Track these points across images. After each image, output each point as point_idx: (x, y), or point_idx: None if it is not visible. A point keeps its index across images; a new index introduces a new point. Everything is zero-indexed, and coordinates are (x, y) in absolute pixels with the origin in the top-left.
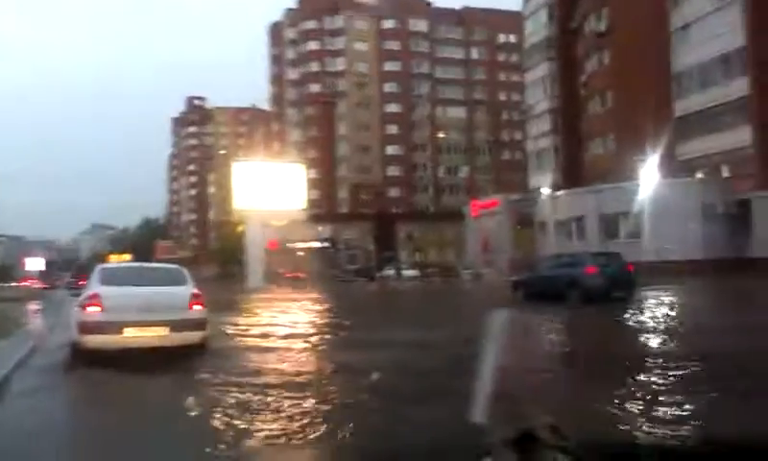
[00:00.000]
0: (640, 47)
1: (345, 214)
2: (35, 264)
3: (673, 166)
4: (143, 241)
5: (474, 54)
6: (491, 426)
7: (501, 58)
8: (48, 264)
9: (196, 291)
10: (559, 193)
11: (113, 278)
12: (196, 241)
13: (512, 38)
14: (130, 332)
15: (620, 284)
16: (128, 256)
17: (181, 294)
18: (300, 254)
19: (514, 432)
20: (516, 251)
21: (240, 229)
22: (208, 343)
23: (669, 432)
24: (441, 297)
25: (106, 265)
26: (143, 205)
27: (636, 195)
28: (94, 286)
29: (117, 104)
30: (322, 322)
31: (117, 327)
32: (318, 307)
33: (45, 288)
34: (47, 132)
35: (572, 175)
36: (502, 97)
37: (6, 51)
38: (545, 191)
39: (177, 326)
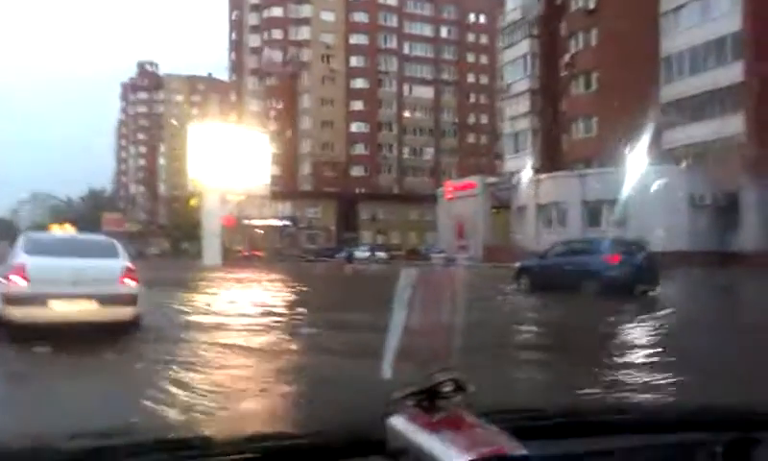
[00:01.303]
0: (629, 27)
1: (306, 192)
2: None
3: (659, 153)
4: (88, 212)
5: (444, 33)
6: (396, 383)
7: (471, 38)
8: None
9: (128, 265)
10: (541, 176)
11: (40, 247)
12: (144, 215)
13: (482, 19)
14: (56, 305)
15: (645, 277)
16: (71, 227)
17: (112, 267)
18: (259, 231)
19: (417, 387)
20: (491, 236)
21: (193, 202)
22: (141, 319)
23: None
24: None
25: (32, 234)
26: (88, 175)
27: (621, 182)
28: (19, 256)
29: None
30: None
31: (43, 300)
32: (286, 290)
33: None
34: None
35: (551, 158)
36: (470, 79)
37: None
38: (526, 174)
39: (106, 300)
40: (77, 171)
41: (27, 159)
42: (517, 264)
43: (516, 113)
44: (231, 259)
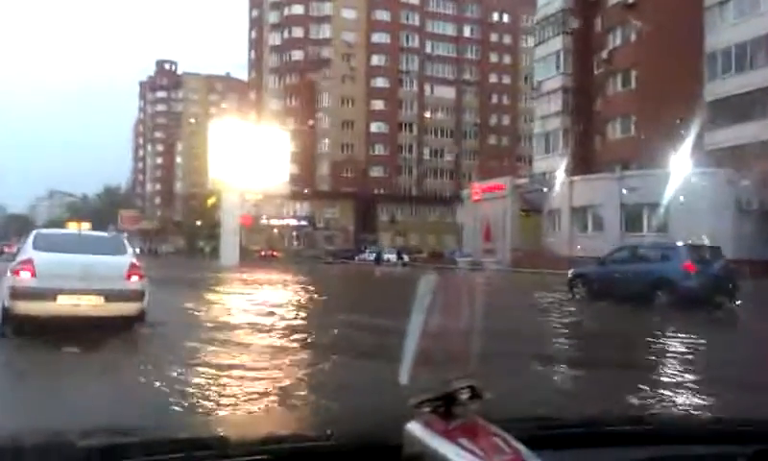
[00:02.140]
0: (671, 22)
1: (324, 192)
2: None
3: (702, 155)
4: (104, 210)
5: (467, 32)
6: (414, 389)
7: (494, 38)
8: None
9: (134, 261)
10: (576, 178)
11: (49, 244)
12: (161, 212)
13: (505, 18)
14: (63, 300)
15: (723, 287)
16: (87, 224)
17: (119, 264)
18: (275, 231)
19: (434, 394)
20: (520, 240)
21: (211, 201)
22: (146, 315)
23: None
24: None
25: (42, 230)
26: (106, 172)
27: (662, 184)
28: (28, 251)
29: (82, 64)
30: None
31: (50, 294)
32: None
33: None
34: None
35: (584, 159)
36: (493, 79)
37: None
38: (560, 175)
39: (112, 296)
40: (94, 169)
41: (45, 157)
42: (572, 271)
43: (548, 112)
44: (249, 259)
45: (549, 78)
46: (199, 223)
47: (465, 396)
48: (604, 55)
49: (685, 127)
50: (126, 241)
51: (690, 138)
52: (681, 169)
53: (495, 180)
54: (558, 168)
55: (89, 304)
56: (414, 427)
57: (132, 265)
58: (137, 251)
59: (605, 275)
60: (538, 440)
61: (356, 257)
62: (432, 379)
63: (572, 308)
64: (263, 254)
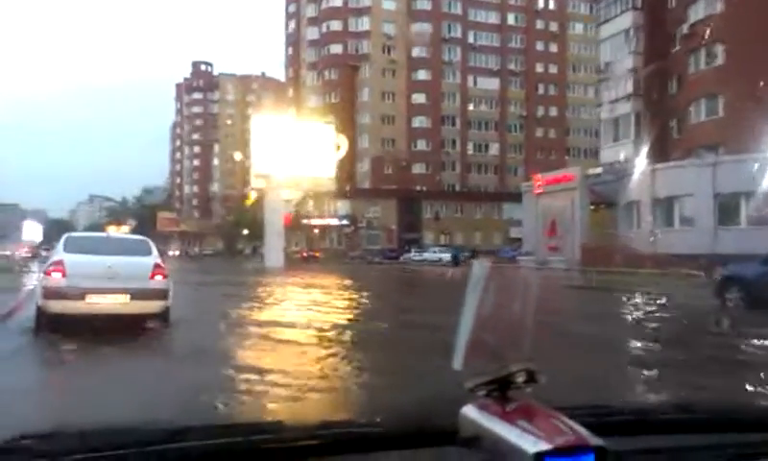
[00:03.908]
0: None
1: (366, 190)
2: (32, 232)
3: None
4: (143, 213)
5: (510, 20)
6: (468, 373)
7: (539, 26)
8: (45, 233)
9: (158, 262)
10: (659, 166)
11: (78, 246)
12: (198, 214)
13: (551, 5)
14: (91, 299)
15: None
16: (126, 228)
17: (143, 264)
18: (316, 231)
19: (489, 377)
20: (590, 236)
21: (249, 202)
22: (169, 312)
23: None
24: (566, 300)
25: (72, 234)
26: (145, 175)
27: (763, 170)
28: (59, 253)
29: (119, 69)
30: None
31: (79, 293)
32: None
33: (31, 257)
34: (45, 99)
35: (660, 146)
36: (539, 69)
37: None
38: (639, 163)
39: (137, 294)
40: (133, 172)
41: (85, 162)
42: (722, 272)
43: (617, 96)
44: (290, 261)
45: (618, 59)
46: (241, 222)
47: (520, 379)
48: (684, 29)
49: None
50: (151, 243)
51: None
52: None
53: (562, 170)
54: (628, 156)
55: (116, 303)
56: (469, 410)
57: (156, 265)
58: (176, 253)
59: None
60: (589, 427)
61: (401, 257)
62: (484, 365)
63: (743, 322)
64: (304, 254)
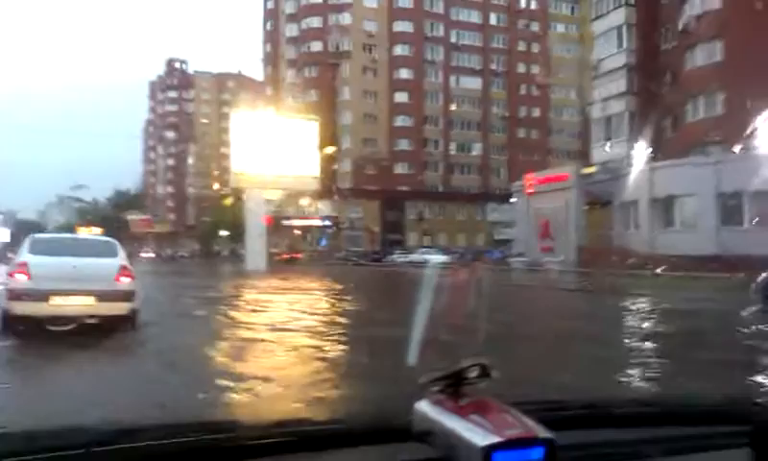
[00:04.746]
0: None
1: (348, 190)
2: None
3: None
4: (114, 214)
5: (493, 19)
6: (421, 369)
7: (521, 25)
8: (14, 235)
9: (124, 263)
10: (658, 165)
11: (43, 247)
12: (173, 216)
13: (533, 5)
14: (56, 301)
15: None
16: (97, 230)
17: (109, 266)
18: (297, 232)
19: (443, 372)
20: (586, 236)
21: (227, 202)
22: (137, 315)
23: None
24: (578, 305)
25: (37, 235)
26: (116, 176)
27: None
28: (23, 255)
29: (90, 66)
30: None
31: (43, 295)
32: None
33: None
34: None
35: (654, 144)
36: (521, 69)
37: None
38: (637, 162)
39: (103, 296)
40: (104, 173)
41: (54, 161)
42: (764, 275)
43: (609, 94)
44: (271, 263)
45: (610, 55)
46: (215, 225)
47: (474, 374)
48: (680, 25)
49: None
50: (117, 244)
51: None
52: None
53: (555, 169)
54: (622, 155)
55: (81, 304)
56: (423, 406)
57: (122, 267)
58: (151, 255)
59: None
60: (542, 421)
61: (383, 259)
62: (442, 361)
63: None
64: (285, 256)
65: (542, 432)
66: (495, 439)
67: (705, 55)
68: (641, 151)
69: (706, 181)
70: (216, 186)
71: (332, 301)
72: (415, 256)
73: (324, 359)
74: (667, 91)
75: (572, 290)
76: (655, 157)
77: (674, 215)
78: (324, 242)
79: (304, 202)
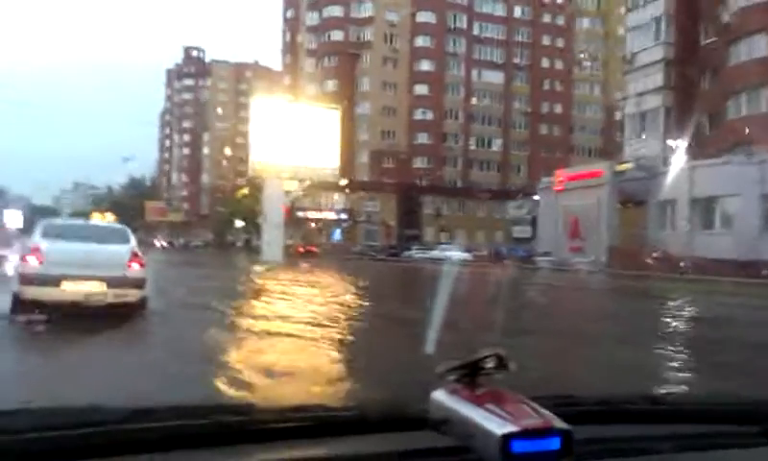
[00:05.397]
0: None
1: (365, 183)
2: (13, 219)
3: None
4: (129, 201)
5: (517, 12)
6: (439, 357)
7: (546, 19)
8: (26, 220)
9: (136, 250)
10: (698, 163)
11: (55, 233)
12: (187, 205)
13: None
14: (67, 286)
15: None
16: (111, 216)
17: (120, 252)
18: (313, 225)
19: (460, 362)
20: (619, 236)
21: (242, 192)
22: (147, 302)
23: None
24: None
25: (50, 220)
26: (132, 163)
27: None
28: (36, 239)
29: (107, 53)
30: None
31: (55, 280)
32: None
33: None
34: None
35: (692, 142)
36: (545, 64)
37: None
38: (677, 159)
39: (114, 282)
40: (120, 160)
41: (70, 148)
42: None
43: (645, 89)
44: (287, 255)
45: (646, 48)
46: (230, 215)
47: (490, 364)
48: (725, 18)
49: None
50: (129, 231)
51: None
52: None
53: (589, 166)
54: (657, 152)
55: (92, 290)
56: (439, 395)
57: (134, 254)
58: (164, 244)
59: None
60: (555, 415)
61: (401, 254)
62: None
63: None
64: (301, 249)
65: (559, 423)
66: (513, 428)
67: (748, 49)
68: (679, 148)
69: (750, 182)
70: (239, 180)
71: (356, 296)
72: (435, 253)
73: (341, 351)
74: (707, 87)
75: (612, 292)
76: (692, 156)
77: (714, 217)
78: (337, 235)
79: (323, 194)
